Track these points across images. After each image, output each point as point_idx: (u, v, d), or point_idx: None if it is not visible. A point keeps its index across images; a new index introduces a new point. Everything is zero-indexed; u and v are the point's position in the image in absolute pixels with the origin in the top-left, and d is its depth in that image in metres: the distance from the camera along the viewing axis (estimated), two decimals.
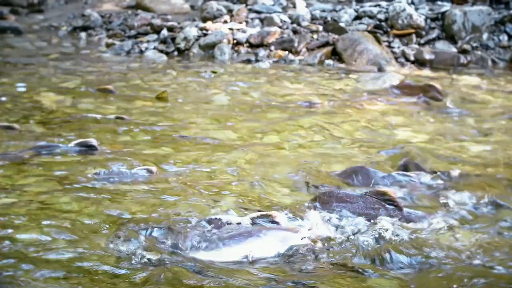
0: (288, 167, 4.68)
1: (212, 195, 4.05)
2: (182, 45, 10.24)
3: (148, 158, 4.86)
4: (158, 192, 4.08)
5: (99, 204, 3.84)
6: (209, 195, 4.03)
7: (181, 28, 10.75)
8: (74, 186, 4.19)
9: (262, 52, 9.90)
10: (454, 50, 10.53)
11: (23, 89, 7.49)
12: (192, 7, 12.59)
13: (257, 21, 10.87)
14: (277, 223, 3.35)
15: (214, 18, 11.23)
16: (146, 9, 12.51)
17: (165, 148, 5.18)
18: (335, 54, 9.96)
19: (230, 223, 3.34)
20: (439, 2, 11.99)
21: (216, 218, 3.40)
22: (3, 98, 6.95)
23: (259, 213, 3.44)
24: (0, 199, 4.00)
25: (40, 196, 4.05)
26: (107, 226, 3.50)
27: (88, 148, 5.10)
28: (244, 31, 10.38)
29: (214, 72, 8.72)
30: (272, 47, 10.03)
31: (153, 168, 4.48)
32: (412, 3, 11.81)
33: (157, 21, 11.24)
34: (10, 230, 3.44)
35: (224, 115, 6.49)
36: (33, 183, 4.29)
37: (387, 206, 3.55)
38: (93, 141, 5.15)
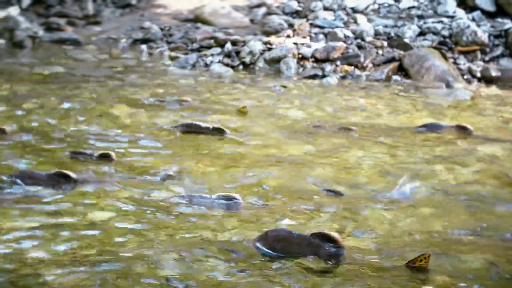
0: None
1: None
2: (247, 59, 10.21)
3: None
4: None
5: None
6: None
7: (244, 42, 10.72)
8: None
9: (328, 67, 9.84)
10: None
11: (95, 101, 7.53)
12: (251, 21, 12.56)
13: (321, 36, 10.82)
14: None
15: (276, 32, 11.22)
16: (206, 22, 12.49)
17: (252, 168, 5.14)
18: (401, 70, 9.87)
19: None
20: (499, 19, 11.85)
21: None
22: (77, 109, 7.01)
23: None
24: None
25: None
26: None
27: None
28: (309, 46, 10.33)
29: (284, 87, 8.68)
30: (338, 62, 9.96)
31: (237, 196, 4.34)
32: (473, 19, 11.67)
33: (220, 35, 11.24)
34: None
35: (302, 130, 6.46)
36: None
37: None
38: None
